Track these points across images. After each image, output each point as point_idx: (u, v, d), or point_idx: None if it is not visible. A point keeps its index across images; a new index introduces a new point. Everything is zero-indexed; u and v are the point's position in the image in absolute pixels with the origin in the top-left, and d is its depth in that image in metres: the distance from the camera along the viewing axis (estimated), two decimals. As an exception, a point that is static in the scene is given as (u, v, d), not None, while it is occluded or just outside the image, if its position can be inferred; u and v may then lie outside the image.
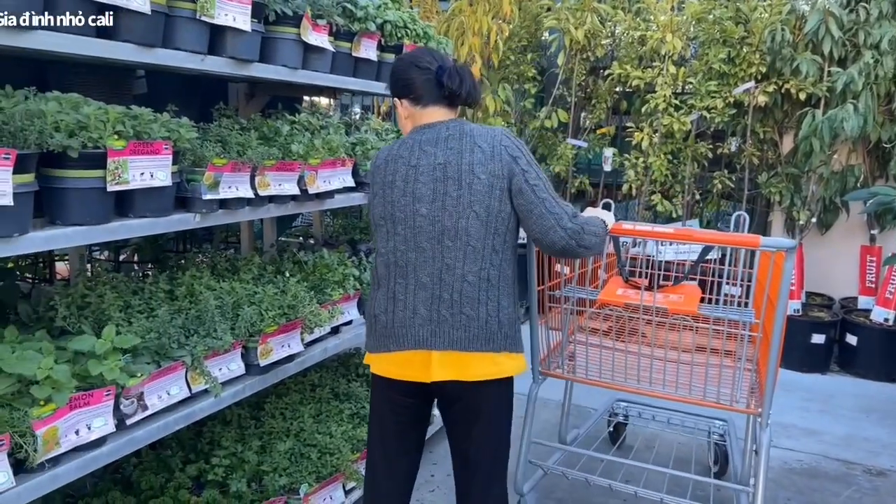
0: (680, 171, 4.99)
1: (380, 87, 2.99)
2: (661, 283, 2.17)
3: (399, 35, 3.13)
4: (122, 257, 3.61)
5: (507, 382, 1.87)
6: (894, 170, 4.45)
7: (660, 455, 3.06)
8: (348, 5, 2.75)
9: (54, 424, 1.52)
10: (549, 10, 5.45)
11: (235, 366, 2.10)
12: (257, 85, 3.05)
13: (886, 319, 4.47)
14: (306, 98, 4.07)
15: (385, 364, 1.85)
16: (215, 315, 2.02)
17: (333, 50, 2.64)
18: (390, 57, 3.09)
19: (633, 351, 2.27)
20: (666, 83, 4.76)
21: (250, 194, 2.15)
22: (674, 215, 5.05)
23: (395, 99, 1.91)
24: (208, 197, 1.99)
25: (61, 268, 3.50)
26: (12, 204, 1.45)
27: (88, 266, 3.19)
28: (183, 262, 2.53)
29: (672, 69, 4.77)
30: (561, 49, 5.22)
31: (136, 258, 3.53)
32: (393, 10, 3.08)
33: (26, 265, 3.16)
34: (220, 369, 2.04)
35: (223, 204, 2.10)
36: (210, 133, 2.29)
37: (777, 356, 1.99)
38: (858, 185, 4.60)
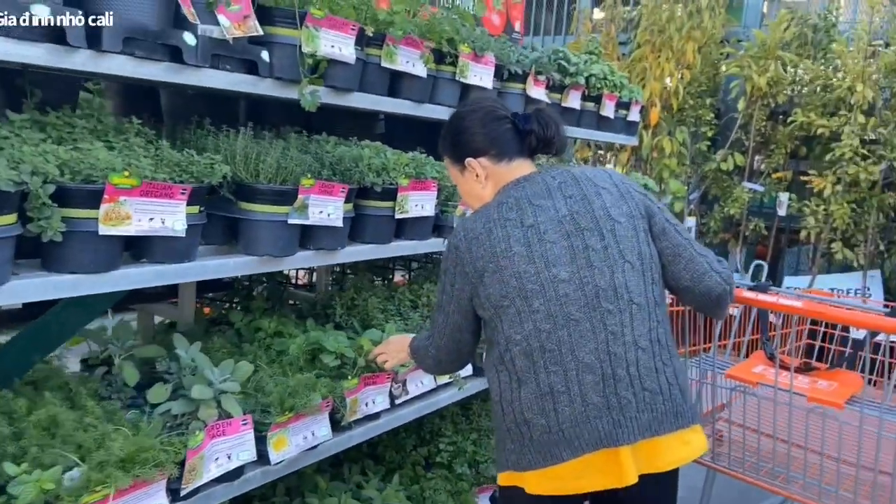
0: (863, 220, 4.92)
1: (578, 132, 3.36)
2: (813, 364, 1.99)
3: (599, 86, 3.48)
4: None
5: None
6: None
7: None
8: (563, 62, 3.16)
9: (356, 396, 1.98)
10: (728, 56, 5.58)
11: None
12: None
13: None
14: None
15: (556, 480, 1.48)
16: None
17: (549, 101, 3.04)
18: (590, 105, 3.44)
19: (799, 446, 1.98)
20: (853, 132, 4.74)
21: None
22: (854, 264, 4.98)
23: (470, 160, 1.63)
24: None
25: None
26: (341, 225, 1.94)
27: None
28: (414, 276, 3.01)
29: (861, 119, 4.75)
30: (742, 95, 5.33)
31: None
32: (597, 65, 3.44)
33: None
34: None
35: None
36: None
37: None
38: None
